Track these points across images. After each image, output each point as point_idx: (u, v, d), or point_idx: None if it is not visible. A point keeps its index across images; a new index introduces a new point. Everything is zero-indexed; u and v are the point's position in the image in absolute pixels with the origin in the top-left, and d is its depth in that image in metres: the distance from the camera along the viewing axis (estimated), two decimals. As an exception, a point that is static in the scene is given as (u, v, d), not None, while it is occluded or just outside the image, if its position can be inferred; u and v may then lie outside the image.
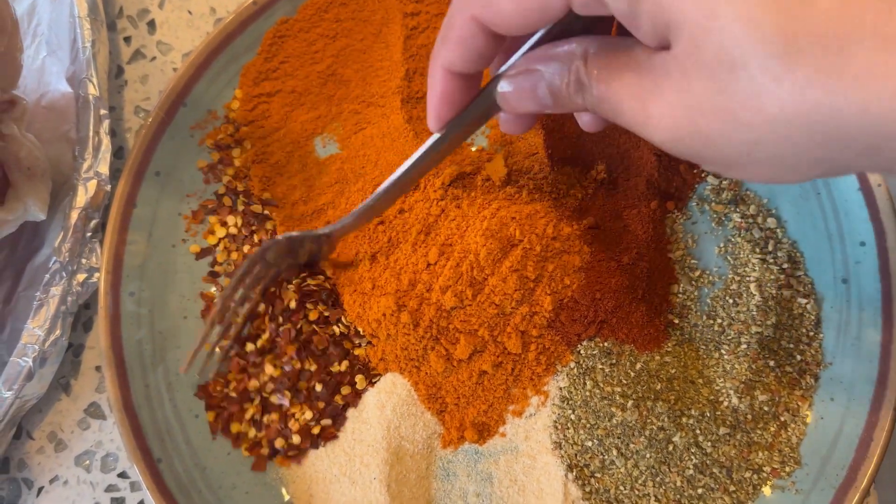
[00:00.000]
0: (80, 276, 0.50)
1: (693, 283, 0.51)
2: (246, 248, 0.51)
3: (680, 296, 0.50)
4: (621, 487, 0.47)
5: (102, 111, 0.52)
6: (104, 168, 0.51)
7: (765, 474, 0.47)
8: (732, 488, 0.47)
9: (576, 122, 0.40)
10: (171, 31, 0.57)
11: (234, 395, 0.49)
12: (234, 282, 0.46)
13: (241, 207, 0.51)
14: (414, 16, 0.53)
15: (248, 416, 0.48)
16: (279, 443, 0.48)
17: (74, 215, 0.50)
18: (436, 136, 0.39)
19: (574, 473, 0.47)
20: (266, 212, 0.51)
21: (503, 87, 0.34)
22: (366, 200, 0.44)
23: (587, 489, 0.47)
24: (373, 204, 0.44)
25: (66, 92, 0.54)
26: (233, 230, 0.51)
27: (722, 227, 0.51)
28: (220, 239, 0.51)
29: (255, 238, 0.51)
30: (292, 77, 0.53)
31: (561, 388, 0.48)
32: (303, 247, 0.47)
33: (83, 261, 0.50)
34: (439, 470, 0.49)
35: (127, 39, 0.57)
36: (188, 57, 0.51)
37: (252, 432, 0.48)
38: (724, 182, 0.52)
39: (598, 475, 0.47)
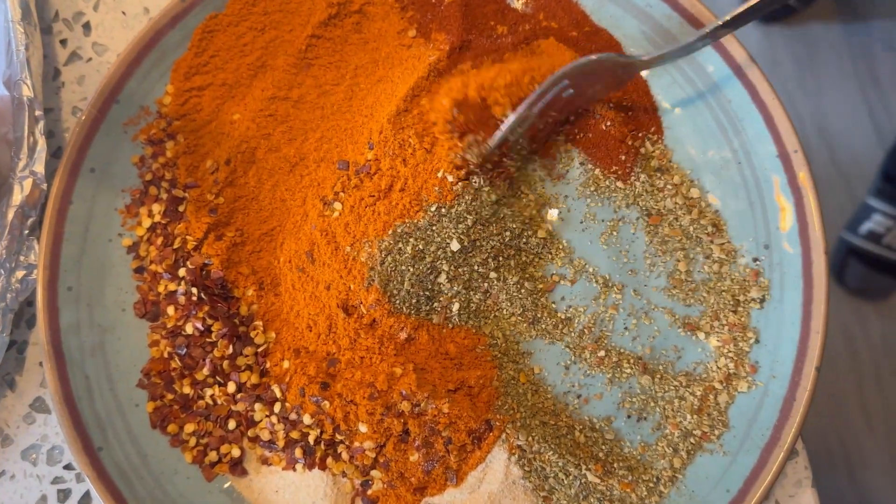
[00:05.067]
0: (19, 273, 0.51)
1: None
2: (160, 241, 0.51)
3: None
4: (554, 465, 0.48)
5: (37, 112, 0.52)
6: (40, 167, 0.52)
7: (695, 439, 0.48)
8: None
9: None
10: (106, 32, 0.58)
11: (178, 391, 0.50)
12: (532, 96, 0.47)
13: (164, 196, 0.52)
14: (339, 5, 0.54)
15: (190, 430, 0.49)
16: (224, 449, 0.49)
17: (11, 214, 0.50)
18: None
19: (516, 456, 0.48)
20: (185, 195, 0.52)
21: None
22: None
23: (526, 468, 0.48)
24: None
25: (3, 95, 0.55)
26: (157, 218, 0.52)
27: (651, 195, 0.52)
28: (146, 229, 0.52)
29: (170, 229, 0.51)
30: (223, 70, 0.54)
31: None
32: (603, 73, 0.49)
33: (21, 258, 0.51)
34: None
35: (63, 42, 0.58)
36: (119, 55, 0.52)
37: (193, 441, 0.49)
38: (656, 151, 0.53)
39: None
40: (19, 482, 0.51)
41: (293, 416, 0.49)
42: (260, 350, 0.50)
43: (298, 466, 0.48)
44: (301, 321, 0.50)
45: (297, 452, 0.48)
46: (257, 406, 0.49)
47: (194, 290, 0.50)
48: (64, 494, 0.51)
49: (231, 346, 0.49)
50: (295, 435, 0.48)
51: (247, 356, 0.50)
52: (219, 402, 0.50)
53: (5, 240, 0.50)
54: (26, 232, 0.51)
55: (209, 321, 0.49)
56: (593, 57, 0.48)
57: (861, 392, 1.34)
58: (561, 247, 0.51)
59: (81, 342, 0.50)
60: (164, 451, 0.49)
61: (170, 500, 0.48)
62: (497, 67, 0.49)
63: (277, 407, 0.49)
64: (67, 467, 0.51)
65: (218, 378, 0.50)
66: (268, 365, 0.50)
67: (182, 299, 0.50)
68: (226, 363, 0.49)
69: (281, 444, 0.49)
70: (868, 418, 1.34)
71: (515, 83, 0.47)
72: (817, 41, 1.46)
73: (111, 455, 0.48)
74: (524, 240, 0.51)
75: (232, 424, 0.49)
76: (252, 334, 0.50)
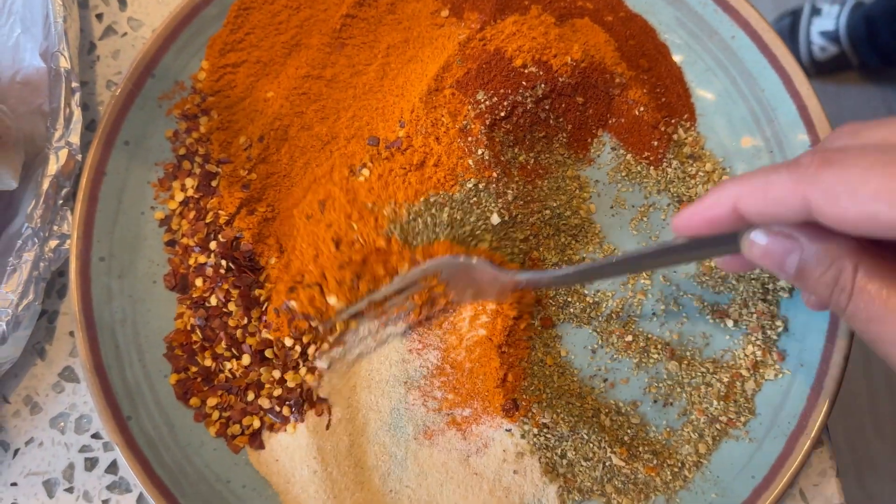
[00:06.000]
0: (52, 243, 0.51)
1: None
2: (192, 215, 0.52)
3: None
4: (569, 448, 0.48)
5: (74, 83, 0.53)
6: (75, 138, 0.52)
7: (721, 425, 0.48)
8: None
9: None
10: (141, 7, 0.58)
11: (202, 363, 0.50)
12: (398, 282, 0.46)
13: (197, 170, 0.52)
14: (376, -15, 0.54)
15: (213, 403, 0.50)
16: (246, 421, 0.50)
17: (46, 183, 0.51)
18: (674, 241, 0.37)
19: (535, 430, 0.48)
20: (218, 170, 0.52)
21: (756, 237, 0.33)
22: (575, 267, 0.43)
23: (545, 449, 0.48)
24: (577, 273, 0.43)
25: (40, 67, 0.55)
26: (190, 192, 0.52)
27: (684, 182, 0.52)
28: (178, 203, 0.52)
29: (202, 203, 0.52)
30: (257, 48, 0.54)
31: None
32: (479, 279, 0.46)
33: (55, 228, 0.51)
34: (386, 422, 0.49)
35: (99, 16, 0.58)
36: (156, 29, 0.53)
37: (217, 414, 0.50)
38: (689, 137, 0.53)
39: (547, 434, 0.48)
40: (47, 450, 0.51)
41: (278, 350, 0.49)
42: (263, 309, 0.50)
43: (289, 426, 0.49)
44: (295, 263, 0.50)
45: (285, 410, 0.49)
46: (262, 369, 0.49)
47: (224, 263, 0.50)
48: (91, 463, 0.51)
49: (246, 317, 0.49)
50: (282, 392, 0.49)
51: (255, 320, 0.50)
52: (237, 374, 0.50)
53: (40, 209, 0.51)
54: (60, 202, 0.52)
55: (233, 291, 0.50)
56: (469, 259, 0.45)
57: (872, 396, 1.34)
58: (596, 231, 0.51)
59: (112, 312, 0.50)
60: (192, 423, 0.50)
61: (196, 471, 0.48)
62: (515, 17, 0.49)
63: (270, 354, 0.49)
64: (95, 436, 0.52)
65: (234, 350, 0.50)
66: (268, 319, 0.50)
67: (209, 271, 0.51)
68: (239, 332, 0.50)
69: (279, 408, 0.49)
70: (878, 423, 1.33)
71: (542, 37, 0.48)
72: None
73: (140, 425, 0.48)
74: (563, 220, 0.51)
75: (251, 396, 0.50)
76: (257, 292, 0.51)
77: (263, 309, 0.50)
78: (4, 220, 0.53)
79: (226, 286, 0.50)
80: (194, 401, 0.50)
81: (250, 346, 0.50)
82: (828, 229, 0.30)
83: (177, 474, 0.48)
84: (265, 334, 0.49)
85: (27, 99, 0.55)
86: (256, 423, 0.50)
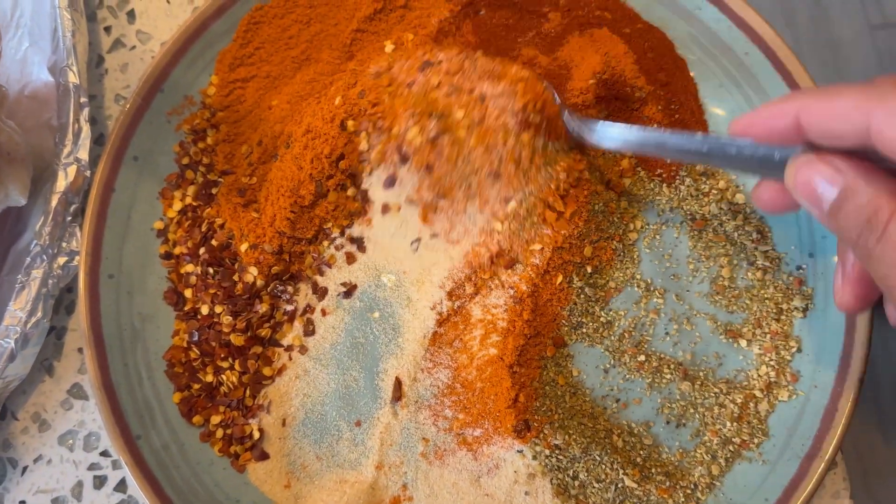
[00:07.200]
0: (61, 260, 0.51)
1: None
2: (186, 224, 0.51)
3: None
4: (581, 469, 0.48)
5: (82, 99, 0.53)
6: (84, 154, 0.52)
7: (734, 446, 0.48)
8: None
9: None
10: (150, 20, 0.58)
11: (203, 379, 0.50)
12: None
13: (200, 180, 0.52)
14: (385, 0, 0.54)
15: (216, 420, 0.49)
16: (247, 428, 0.49)
17: (55, 200, 0.51)
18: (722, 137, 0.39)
19: (547, 452, 0.48)
20: (220, 180, 0.52)
21: (804, 159, 0.33)
22: (651, 133, 0.43)
23: (557, 470, 0.47)
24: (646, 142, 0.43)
25: (48, 81, 0.55)
26: (189, 200, 0.52)
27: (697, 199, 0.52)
28: (177, 212, 0.52)
29: (199, 212, 0.51)
30: (267, 62, 0.54)
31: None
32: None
33: (63, 244, 0.51)
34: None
35: (107, 29, 0.58)
36: (165, 44, 0.52)
37: (220, 432, 0.49)
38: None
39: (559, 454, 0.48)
40: (56, 467, 0.51)
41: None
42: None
43: None
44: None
45: None
46: (260, 362, 0.50)
47: (210, 270, 0.50)
48: (100, 481, 0.51)
49: (231, 314, 0.49)
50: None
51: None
52: (235, 384, 0.50)
53: (49, 226, 0.50)
54: (69, 218, 0.52)
55: (219, 294, 0.49)
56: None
57: (878, 403, 1.34)
58: (633, 257, 0.51)
59: (122, 330, 0.50)
60: (201, 441, 0.49)
61: (206, 490, 0.48)
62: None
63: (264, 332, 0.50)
64: (104, 454, 0.51)
65: (231, 360, 0.50)
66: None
67: (193, 279, 0.50)
68: (233, 336, 0.49)
69: None
70: (885, 430, 1.33)
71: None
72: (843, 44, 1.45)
73: (149, 444, 0.48)
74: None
75: (248, 401, 0.49)
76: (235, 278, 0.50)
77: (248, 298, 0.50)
78: (13, 237, 0.53)
79: (212, 290, 0.50)
80: (197, 419, 0.49)
81: (238, 346, 0.49)
82: (875, 171, 0.29)
83: (186, 494, 0.47)
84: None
85: (35, 113, 0.55)
86: (256, 434, 0.49)
